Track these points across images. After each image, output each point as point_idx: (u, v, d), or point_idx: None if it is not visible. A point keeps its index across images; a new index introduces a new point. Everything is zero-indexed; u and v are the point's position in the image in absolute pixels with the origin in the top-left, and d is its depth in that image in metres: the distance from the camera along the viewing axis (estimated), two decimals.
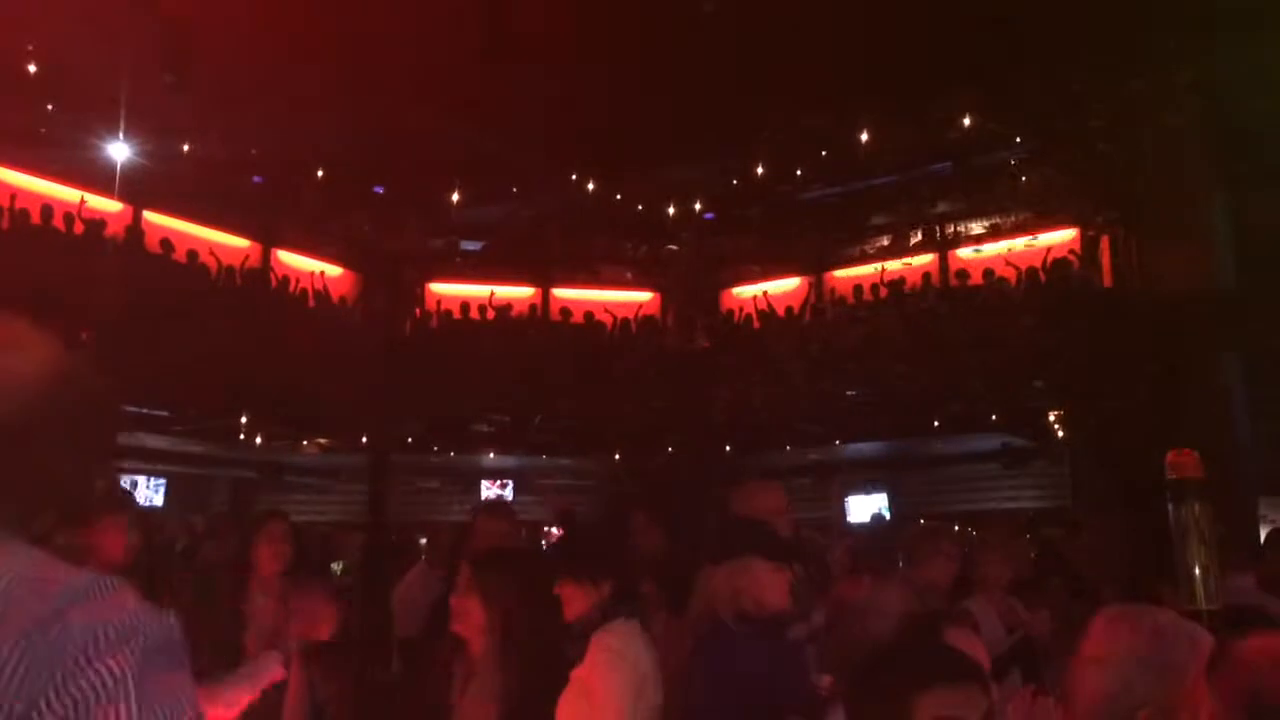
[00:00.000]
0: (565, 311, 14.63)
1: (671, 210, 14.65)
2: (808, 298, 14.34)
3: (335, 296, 13.95)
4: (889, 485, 14.41)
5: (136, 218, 12.06)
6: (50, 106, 11.19)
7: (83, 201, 11.37)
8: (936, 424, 12.18)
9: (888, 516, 13.36)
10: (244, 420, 12.23)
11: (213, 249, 12.52)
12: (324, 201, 13.46)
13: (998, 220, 13.50)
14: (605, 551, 2.98)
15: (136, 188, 12.01)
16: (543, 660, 2.63)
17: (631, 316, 14.58)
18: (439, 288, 14.98)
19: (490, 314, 14.30)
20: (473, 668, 2.75)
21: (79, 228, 11.25)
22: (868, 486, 14.49)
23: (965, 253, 13.43)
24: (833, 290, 14.28)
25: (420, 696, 3.10)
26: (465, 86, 10.71)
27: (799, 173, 13.66)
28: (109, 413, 1.15)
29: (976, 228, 13.76)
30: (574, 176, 13.53)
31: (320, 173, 12.93)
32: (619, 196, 14.31)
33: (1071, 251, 12.04)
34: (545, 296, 15.24)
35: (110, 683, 0.86)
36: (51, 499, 1.06)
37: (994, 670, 2.16)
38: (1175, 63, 9.32)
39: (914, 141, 12.53)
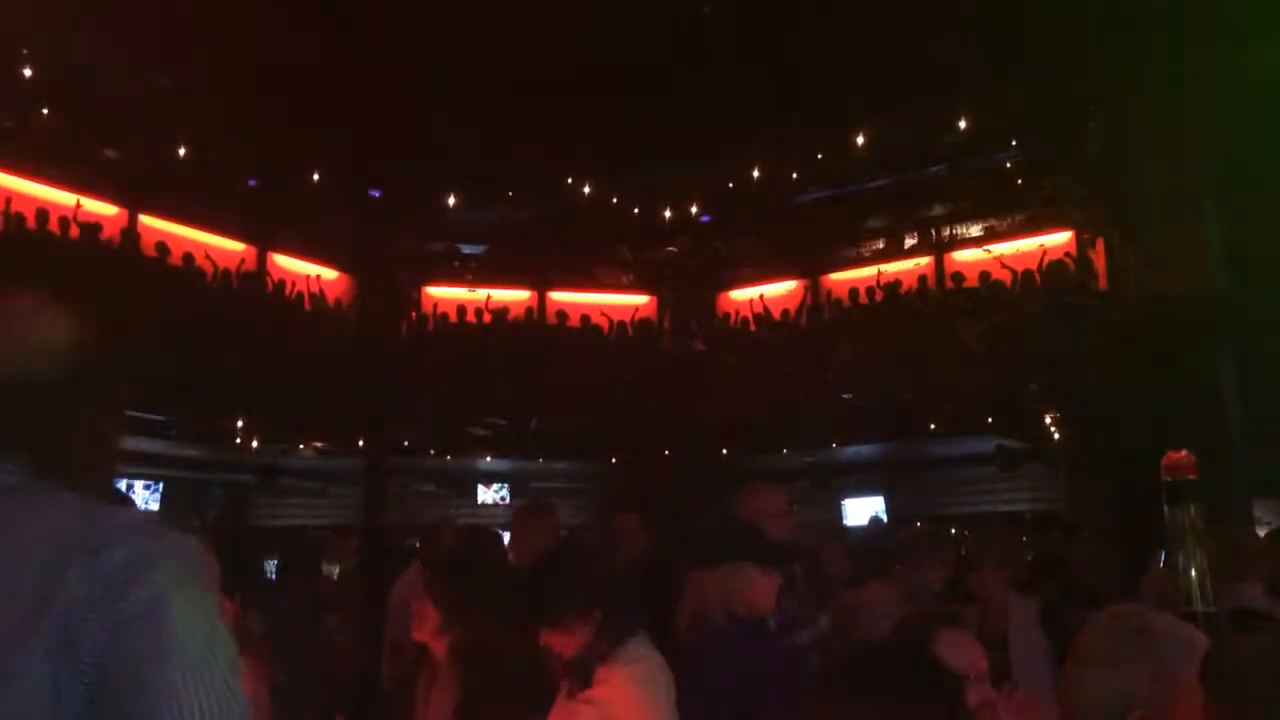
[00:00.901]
0: (562, 315, 14.62)
1: (668, 213, 14.66)
2: (804, 301, 14.34)
3: (331, 300, 13.94)
4: (885, 488, 14.41)
5: (132, 221, 12.04)
6: (45, 110, 11.18)
7: (78, 205, 11.34)
8: (933, 427, 12.19)
9: (884, 519, 13.36)
10: (240, 424, 12.20)
11: (209, 252, 12.49)
12: (320, 205, 13.46)
13: (993, 222, 13.52)
14: (584, 580, 2.56)
15: (132, 191, 12.02)
16: (493, 668, 2.56)
17: (628, 320, 14.58)
18: (436, 291, 14.97)
19: (487, 317, 14.30)
20: (435, 671, 2.76)
21: (75, 231, 11.23)
22: (864, 489, 14.49)
23: (975, 253, 13.37)
24: (829, 293, 14.28)
25: (402, 698, 3.10)
26: (463, 88, 10.73)
27: (795, 175, 13.67)
28: (123, 381, 1.29)
29: (973, 230, 13.78)
30: (570, 179, 13.53)
31: (316, 176, 12.93)
32: (615, 200, 14.33)
33: (1067, 254, 12.05)
34: (542, 300, 15.22)
35: (151, 597, 1.02)
36: (95, 455, 1.22)
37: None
38: (1171, 64, 9.34)
39: (909, 144, 12.55)
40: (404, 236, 14.57)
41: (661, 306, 15.37)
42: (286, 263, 13.74)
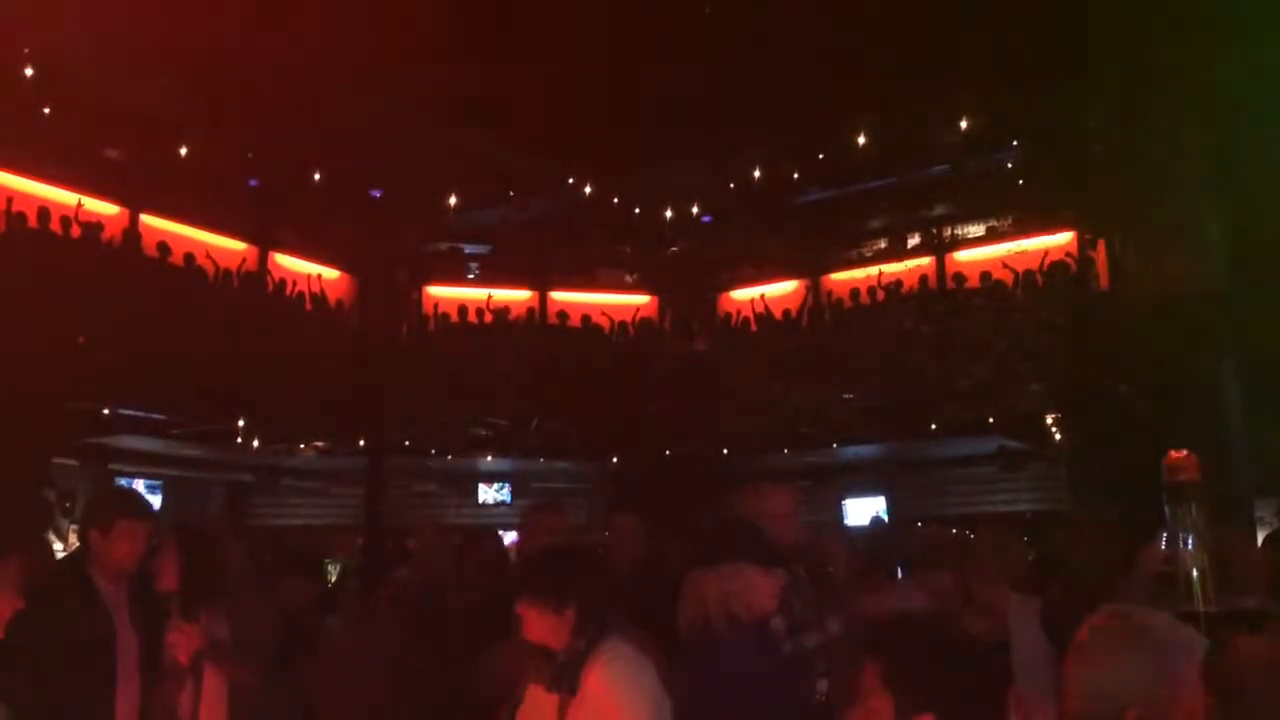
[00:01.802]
0: (563, 315, 14.63)
1: (669, 213, 14.65)
2: (805, 301, 14.34)
3: (332, 300, 13.94)
4: (887, 488, 14.41)
5: (133, 221, 12.04)
6: (47, 110, 11.18)
7: (80, 204, 11.34)
8: (934, 427, 12.18)
9: (886, 520, 13.35)
10: (241, 423, 12.21)
11: (210, 252, 12.49)
12: (321, 205, 13.45)
13: (995, 223, 13.51)
14: (569, 574, 2.64)
15: (133, 191, 12.02)
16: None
17: (629, 320, 14.58)
18: (436, 291, 14.97)
19: (488, 317, 14.30)
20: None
21: (76, 231, 11.23)
22: (865, 489, 14.48)
23: (979, 253, 13.34)
24: (830, 293, 14.28)
25: None
26: (463, 88, 10.72)
27: (796, 175, 13.67)
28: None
29: (974, 230, 13.78)
30: (570, 180, 13.53)
31: (317, 176, 12.93)
32: (616, 200, 14.32)
33: (1068, 254, 12.04)
34: (543, 300, 15.22)
35: None
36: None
37: None
38: (1172, 66, 9.33)
39: (911, 144, 12.54)
40: (404, 236, 14.56)
41: (662, 306, 15.37)
42: (288, 262, 13.74)
